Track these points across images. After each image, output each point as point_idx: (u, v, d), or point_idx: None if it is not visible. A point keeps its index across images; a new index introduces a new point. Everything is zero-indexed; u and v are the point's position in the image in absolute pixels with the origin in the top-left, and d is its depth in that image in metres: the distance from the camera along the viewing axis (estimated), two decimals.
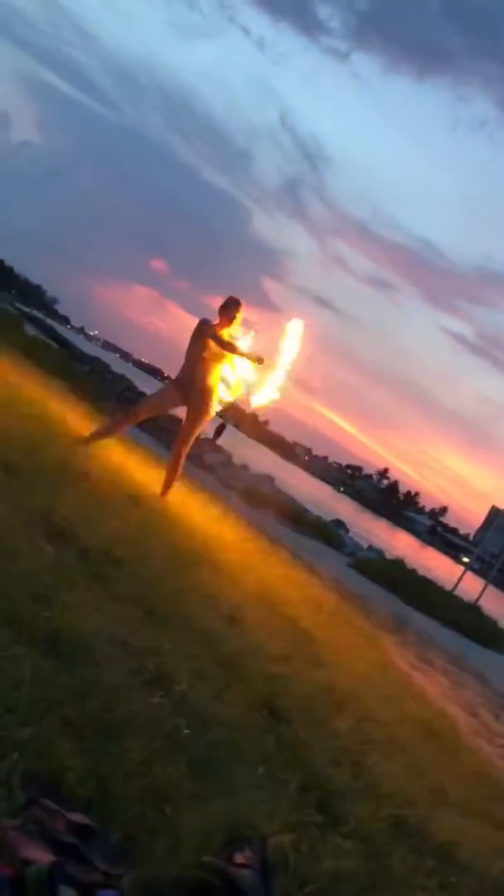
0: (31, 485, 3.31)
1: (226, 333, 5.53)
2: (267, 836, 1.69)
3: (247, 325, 5.70)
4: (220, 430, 8.74)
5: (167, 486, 5.62)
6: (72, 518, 3.20)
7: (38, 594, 2.30)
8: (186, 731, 2.08)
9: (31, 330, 16.92)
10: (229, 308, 5.54)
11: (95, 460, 5.01)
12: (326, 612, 5.66)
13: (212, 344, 5.46)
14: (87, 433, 5.50)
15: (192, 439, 5.71)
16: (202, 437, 9.41)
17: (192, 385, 5.55)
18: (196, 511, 6.26)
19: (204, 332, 5.51)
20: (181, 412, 5.89)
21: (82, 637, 2.21)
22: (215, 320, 5.60)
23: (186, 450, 5.71)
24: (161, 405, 5.83)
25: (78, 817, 1.51)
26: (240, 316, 5.55)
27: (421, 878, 2.30)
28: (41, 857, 1.36)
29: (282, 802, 2.07)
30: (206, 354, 5.48)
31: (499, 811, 3.62)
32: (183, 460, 5.71)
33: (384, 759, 3.06)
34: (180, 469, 5.73)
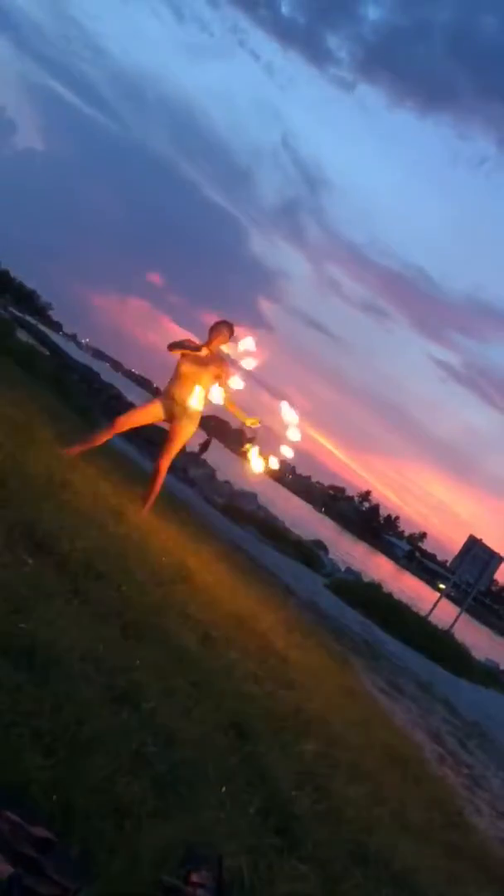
0: (13, 496, 3.34)
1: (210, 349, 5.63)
2: (223, 857, 1.73)
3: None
4: (205, 445, 8.79)
5: (148, 500, 5.66)
6: (52, 530, 3.23)
7: (15, 606, 2.33)
8: (152, 749, 2.11)
9: (23, 336, 16.91)
10: (218, 329, 5.65)
11: (78, 471, 5.04)
12: (300, 634, 5.70)
13: (190, 360, 5.54)
14: (71, 443, 5.53)
15: (175, 454, 5.76)
16: (187, 450, 9.45)
17: (176, 400, 5.62)
18: (176, 526, 6.29)
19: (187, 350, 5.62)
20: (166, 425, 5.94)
21: (57, 651, 2.24)
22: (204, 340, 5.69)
23: (168, 464, 5.76)
24: (145, 417, 5.87)
25: (39, 831, 1.54)
26: (226, 335, 5.66)
27: None
28: (2, 868, 1.39)
29: (241, 823, 2.11)
30: (184, 370, 5.56)
31: (459, 840, 3.67)
32: (164, 474, 5.76)
33: (347, 784, 3.10)
34: (160, 483, 5.78)
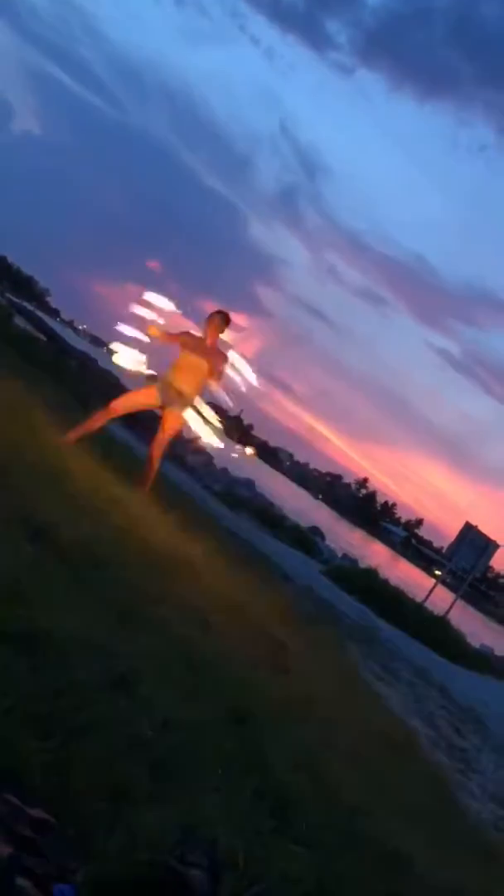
0: (12, 484, 3.36)
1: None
2: (218, 838, 1.76)
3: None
4: None
5: (142, 484, 5.69)
6: (52, 518, 3.26)
7: (15, 593, 2.35)
8: (149, 734, 2.15)
9: (20, 322, 16.88)
10: (217, 320, 5.69)
11: (77, 459, 5.06)
12: (296, 620, 5.75)
13: (189, 350, 5.59)
14: (68, 431, 5.55)
15: (167, 441, 5.79)
16: (185, 437, 9.45)
17: (172, 387, 5.65)
18: (174, 514, 6.32)
19: (193, 344, 5.65)
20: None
21: (56, 637, 2.27)
22: (201, 331, 5.72)
23: (160, 451, 5.79)
24: (140, 401, 5.89)
25: (37, 812, 1.57)
26: (221, 325, 5.70)
27: (369, 884, 2.38)
28: (0, 849, 1.43)
29: (237, 806, 2.15)
30: (182, 359, 5.61)
31: (452, 823, 3.73)
32: (157, 461, 5.79)
33: (342, 768, 3.15)
34: (155, 469, 5.81)
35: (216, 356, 5.65)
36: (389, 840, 2.75)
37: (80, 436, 5.60)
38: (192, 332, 5.78)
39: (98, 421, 5.81)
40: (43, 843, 1.52)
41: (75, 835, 1.61)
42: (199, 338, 5.68)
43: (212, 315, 5.72)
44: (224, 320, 5.71)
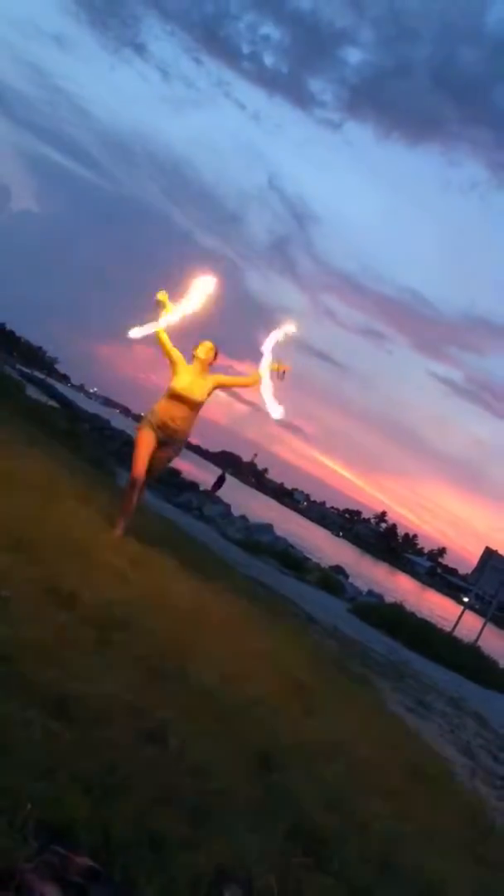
0: (38, 556, 3.56)
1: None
2: (253, 876, 1.91)
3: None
4: (219, 482, 8.97)
5: (123, 515, 5.69)
6: (77, 585, 3.45)
7: (49, 661, 2.53)
8: (182, 782, 2.30)
9: (32, 392, 17.33)
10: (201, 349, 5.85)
11: (95, 523, 5.26)
12: (322, 662, 5.85)
13: (180, 375, 5.73)
14: (114, 526, 5.61)
15: (155, 475, 5.94)
16: (201, 489, 9.66)
17: (167, 428, 5.72)
18: (195, 566, 6.48)
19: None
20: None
21: (88, 699, 2.44)
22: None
23: (143, 487, 5.86)
24: (144, 453, 5.87)
25: (84, 861, 1.74)
26: (211, 349, 5.86)
27: None
28: (53, 895, 1.59)
29: (270, 846, 2.28)
30: (174, 390, 5.70)
31: (488, 851, 3.77)
32: (140, 496, 5.85)
33: (373, 803, 3.23)
34: (135, 502, 5.79)
35: (212, 378, 5.76)
36: (424, 870, 2.84)
37: (126, 517, 5.67)
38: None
39: (133, 498, 5.81)
40: (91, 888, 1.68)
41: (120, 879, 1.76)
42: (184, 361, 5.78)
43: (200, 343, 5.82)
44: (214, 348, 5.80)
